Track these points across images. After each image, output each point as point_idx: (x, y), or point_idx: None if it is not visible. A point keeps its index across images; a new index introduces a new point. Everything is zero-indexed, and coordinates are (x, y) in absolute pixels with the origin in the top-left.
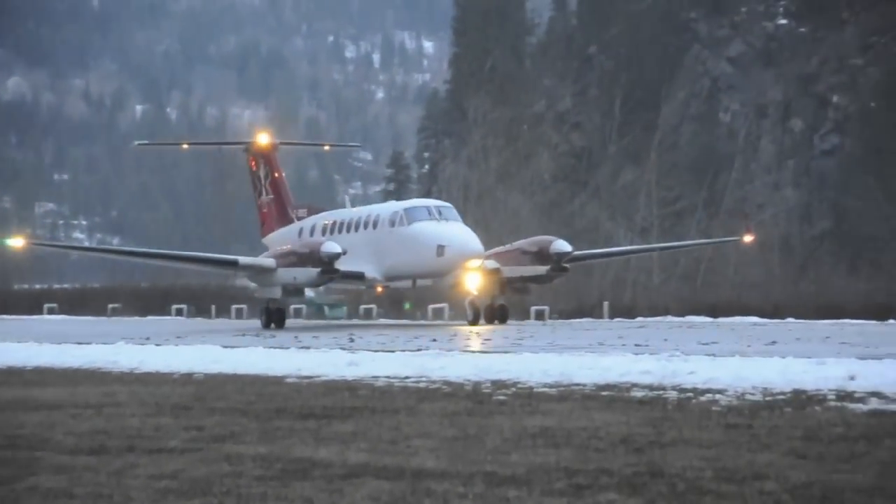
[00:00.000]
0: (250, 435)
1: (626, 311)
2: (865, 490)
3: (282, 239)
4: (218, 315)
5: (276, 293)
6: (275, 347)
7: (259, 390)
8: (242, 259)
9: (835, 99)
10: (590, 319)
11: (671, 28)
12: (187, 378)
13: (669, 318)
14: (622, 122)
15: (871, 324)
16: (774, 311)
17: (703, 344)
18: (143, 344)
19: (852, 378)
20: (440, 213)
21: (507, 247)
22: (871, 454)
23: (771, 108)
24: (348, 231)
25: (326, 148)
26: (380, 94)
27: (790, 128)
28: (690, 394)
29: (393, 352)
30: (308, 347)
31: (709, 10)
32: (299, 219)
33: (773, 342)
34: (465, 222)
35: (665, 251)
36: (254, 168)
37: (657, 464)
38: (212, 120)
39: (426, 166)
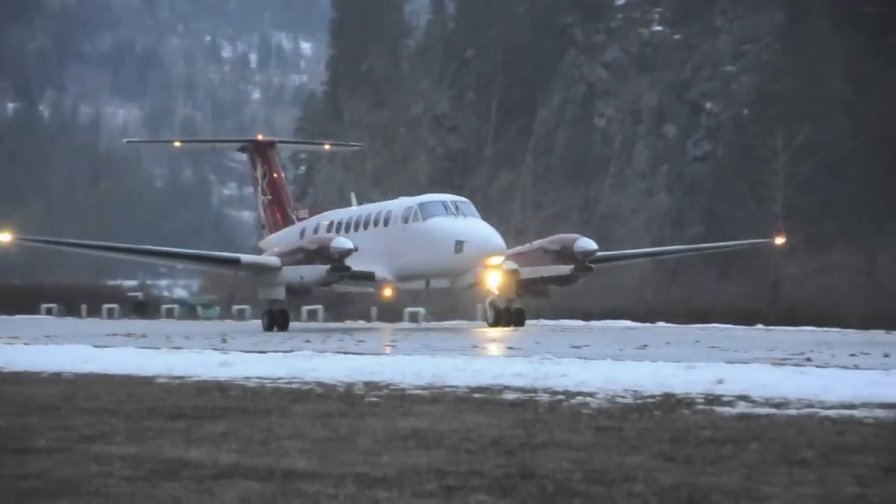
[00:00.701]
0: (119, 435)
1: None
2: (732, 492)
3: (281, 241)
4: (89, 315)
5: (280, 294)
6: (146, 347)
7: (129, 390)
8: (245, 257)
9: (708, 105)
10: (463, 321)
11: (548, 33)
12: (56, 377)
13: (543, 322)
14: (498, 125)
15: (740, 328)
16: (646, 316)
17: (576, 347)
18: (10, 343)
19: (720, 382)
20: (457, 207)
21: (526, 246)
22: (738, 457)
23: (645, 113)
24: (356, 230)
25: (327, 147)
26: (256, 95)
27: (664, 134)
28: (562, 396)
29: (265, 353)
30: (180, 348)
31: (585, 16)
32: (300, 220)
33: (644, 346)
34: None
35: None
36: (252, 168)
37: (528, 465)
38: (86, 118)
39: (302, 168)
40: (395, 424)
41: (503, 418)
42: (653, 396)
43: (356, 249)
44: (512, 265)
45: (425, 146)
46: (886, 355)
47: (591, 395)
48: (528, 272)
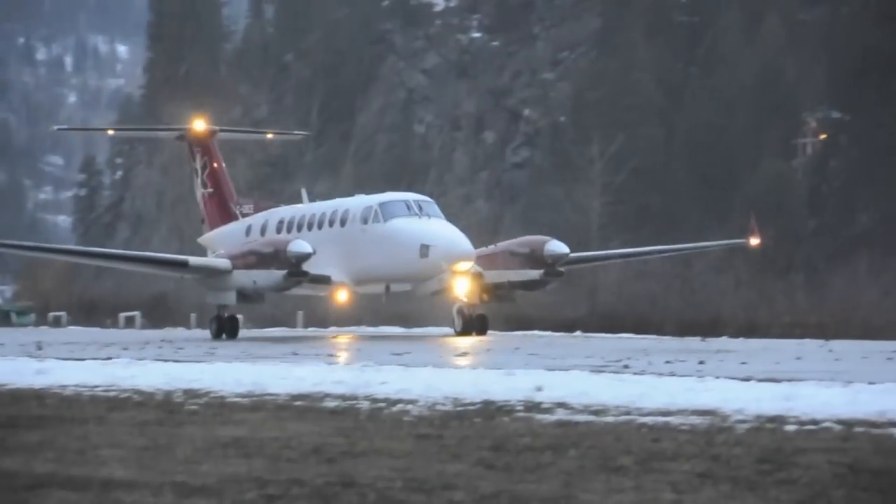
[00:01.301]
0: None
1: (319, 321)
2: (551, 499)
3: (224, 238)
4: None
5: (230, 299)
6: None
7: None
8: (193, 259)
9: (526, 112)
10: (284, 329)
11: (367, 38)
12: None
13: (363, 329)
14: (319, 130)
15: (559, 335)
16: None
17: (396, 354)
18: None
19: (540, 389)
20: (420, 207)
21: (491, 248)
22: (557, 464)
23: (464, 120)
24: (309, 229)
25: (269, 136)
26: (72, 98)
27: (483, 140)
28: (383, 404)
29: (83, 360)
30: None
31: (404, 22)
32: (244, 215)
33: (465, 353)
34: (162, 229)
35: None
36: (190, 158)
37: (349, 474)
38: None
39: (119, 172)
40: (215, 433)
41: (324, 426)
42: (473, 404)
43: (314, 253)
44: (476, 268)
45: (244, 151)
46: (701, 362)
47: (411, 402)
48: (493, 276)
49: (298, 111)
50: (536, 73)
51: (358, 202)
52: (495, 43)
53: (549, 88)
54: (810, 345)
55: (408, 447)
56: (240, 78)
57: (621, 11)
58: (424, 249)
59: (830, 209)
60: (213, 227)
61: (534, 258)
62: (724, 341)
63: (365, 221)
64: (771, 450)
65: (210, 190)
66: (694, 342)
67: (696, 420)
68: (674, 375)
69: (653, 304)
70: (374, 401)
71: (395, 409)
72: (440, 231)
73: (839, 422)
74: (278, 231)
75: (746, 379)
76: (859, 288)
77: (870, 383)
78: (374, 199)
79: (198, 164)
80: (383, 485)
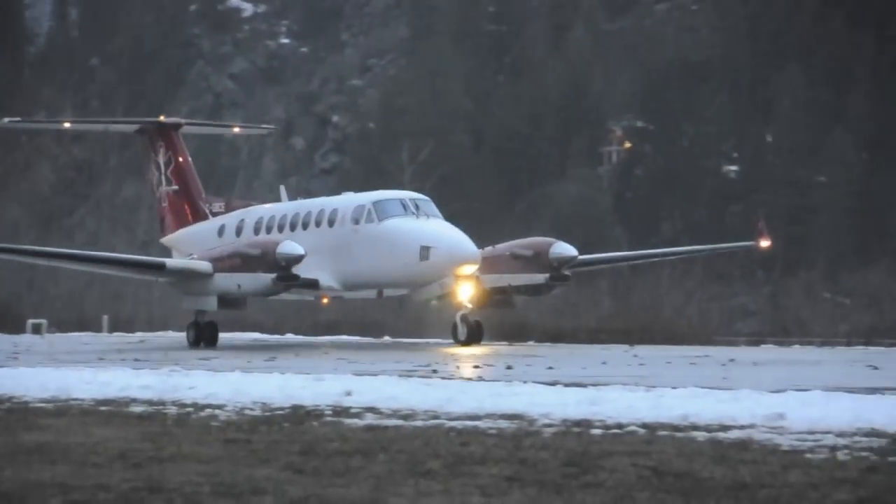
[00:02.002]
0: None
1: (125, 324)
2: (359, 503)
3: (193, 239)
4: None
5: (211, 304)
6: None
7: None
8: (170, 262)
9: (335, 118)
10: (90, 333)
11: (174, 42)
12: None
13: (171, 334)
14: (124, 135)
15: (367, 341)
16: (276, 328)
17: (203, 359)
18: None
19: (349, 394)
20: (417, 206)
21: (488, 249)
22: (366, 468)
23: (273, 125)
24: (292, 229)
25: (236, 130)
26: None
27: (292, 146)
28: (190, 409)
29: None
30: None
31: (212, 27)
32: (214, 214)
33: (273, 357)
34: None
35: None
36: (151, 154)
37: (156, 479)
38: None
39: None
40: (18, 438)
41: (130, 431)
42: (282, 408)
43: (305, 255)
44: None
45: (49, 155)
46: (509, 367)
47: (219, 407)
48: (491, 280)
49: (104, 115)
50: (345, 79)
51: (347, 201)
52: (304, 49)
53: (358, 95)
54: (615, 350)
55: (216, 452)
56: (43, 81)
57: (429, 19)
58: (424, 252)
59: (635, 216)
60: (179, 226)
61: (538, 261)
62: (530, 346)
63: (357, 222)
64: (577, 453)
65: (175, 187)
66: (501, 347)
67: (503, 424)
68: (482, 380)
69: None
70: (182, 406)
71: (202, 413)
72: (441, 232)
73: (643, 425)
74: (256, 231)
75: (553, 383)
76: (663, 294)
77: (673, 388)
78: (366, 197)
79: (160, 160)
80: (191, 490)
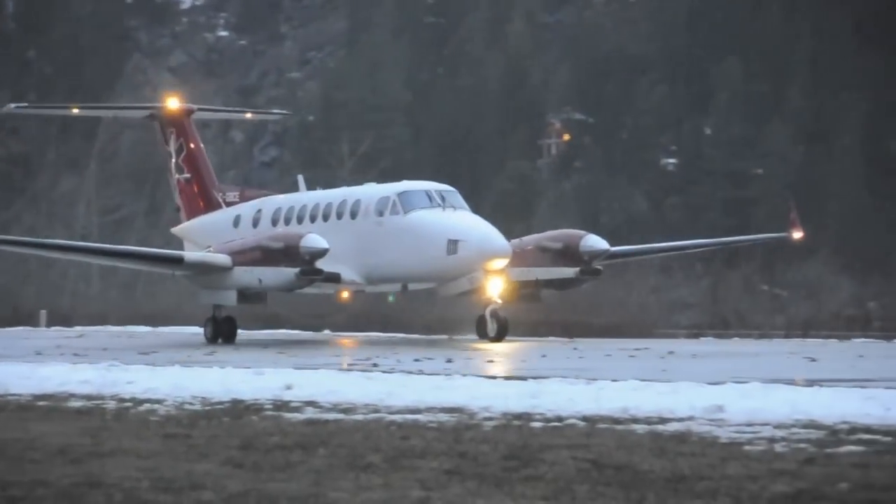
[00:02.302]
0: None
1: (64, 319)
2: (300, 498)
3: (207, 229)
4: None
5: (230, 299)
6: None
7: None
8: (189, 255)
9: (274, 111)
10: (27, 328)
11: (112, 35)
12: None
13: (110, 328)
14: (62, 128)
15: (307, 334)
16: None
17: (143, 353)
18: None
19: (289, 388)
20: (443, 198)
21: (516, 242)
22: (307, 462)
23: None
24: (312, 221)
25: (248, 116)
26: None
27: (231, 139)
28: (129, 403)
29: None
30: None
31: (150, 20)
32: (229, 204)
33: (213, 352)
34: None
35: None
36: (164, 141)
37: (95, 474)
38: None
39: None
40: None
41: (69, 426)
42: (221, 403)
43: (329, 249)
44: None
45: None
46: (449, 360)
47: (158, 402)
48: (518, 273)
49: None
50: (284, 72)
51: (371, 191)
52: (242, 42)
53: (298, 88)
54: (556, 343)
55: (155, 447)
56: None
57: (369, 11)
58: (452, 245)
59: (574, 209)
60: (191, 216)
61: (568, 254)
62: (471, 339)
63: (381, 213)
64: (517, 446)
65: (187, 175)
66: (441, 339)
67: (444, 418)
68: (422, 374)
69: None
70: (121, 400)
71: (142, 408)
72: (470, 224)
73: (583, 418)
74: (274, 223)
75: (493, 377)
76: (604, 288)
77: (613, 381)
78: (391, 188)
79: (172, 147)
80: (130, 485)
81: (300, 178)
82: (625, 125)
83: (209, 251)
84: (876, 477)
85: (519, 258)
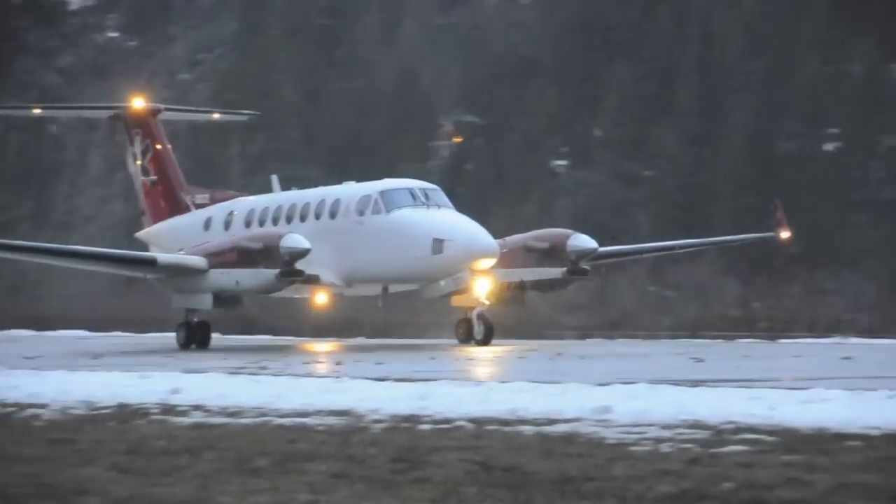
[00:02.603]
0: None
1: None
2: (187, 502)
3: (176, 233)
4: None
5: (205, 302)
6: None
7: None
8: (162, 256)
9: None
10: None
11: None
12: None
13: (14, 332)
14: None
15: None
16: (102, 325)
17: (28, 358)
18: None
19: (176, 391)
20: (427, 196)
21: (500, 242)
22: (194, 467)
23: (100, 121)
24: (288, 222)
25: (216, 116)
26: None
27: (118, 141)
28: (13, 408)
29: None
30: None
31: (38, 20)
32: (198, 206)
33: (100, 355)
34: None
35: None
36: (128, 142)
37: None
38: None
39: None
40: None
41: None
42: (107, 407)
43: (310, 250)
44: None
45: None
46: (339, 363)
47: (43, 406)
48: (502, 275)
49: None
50: (174, 73)
51: (351, 190)
52: (132, 43)
53: (188, 89)
54: (445, 346)
55: (39, 452)
56: None
57: (259, 13)
58: (438, 244)
59: (464, 211)
60: (157, 219)
61: (554, 254)
62: (360, 341)
63: (362, 213)
64: (405, 449)
65: (153, 177)
66: (331, 342)
67: (332, 420)
68: (311, 376)
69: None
70: (4, 405)
71: (25, 413)
72: (456, 223)
73: (472, 420)
74: (247, 224)
75: (382, 379)
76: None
77: (501, 382)
78: (372, 186)
79: (137, 148)
80: (13, 491)
81: (274, 178)
82: (516, 127)
83: (182, 253)
84: (760, 476)
85: (502, 258)
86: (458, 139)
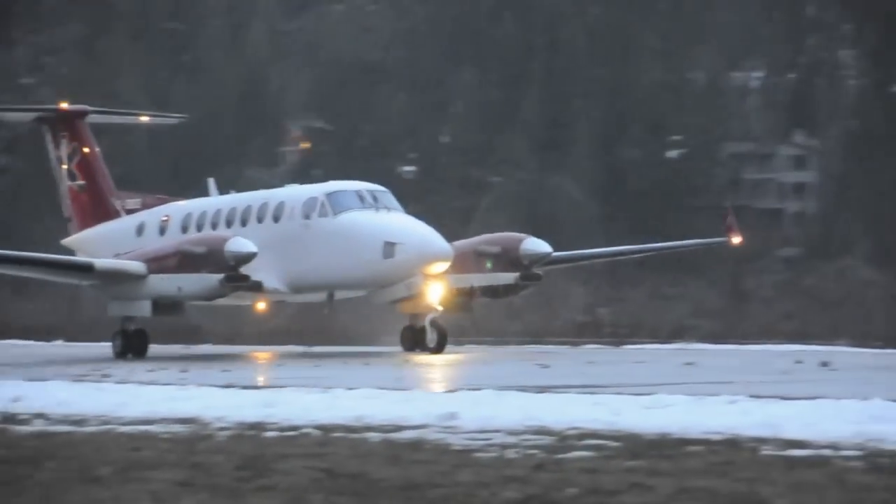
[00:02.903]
0: None
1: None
2: None
3: (106, 239)
4: None
5: (144, 309)
6: None
7: None
8: (99, 262)
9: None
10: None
11: None
12: None
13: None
14: None
15: (39, 345)
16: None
17: None
18: None
19: (17, 400)
20: (375, 198)
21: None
22: (34, 476)
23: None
24: (229, 226)
25: (144, 119)
26: None
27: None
28: None
29: None
30: None
31: None
32: (129, 211)
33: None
34: None
35: None
36: (54, 146)
37: None
38: None
39: None
40: None
41: None
42: None
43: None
44: None
45: None
46: (184, 370)
47: None
48: (456, 280)
49: None
50: (16, 77)
51: (296, 193)
52: None
53: (30, 94)
54: (293, 352)
55: None
56: None
57: (105, 16)
58: (389, 248)
59: None
60: (85, 225)
61: (506, 259)
62: (207, 348)
63: (308, 216)
64: (251, 456)
65: (81, 182)
66: (176, 348)
67: (177, 428)
68: (155, 384)
69: None
70: None
71: None
72: (407, 226)
73: (318, 427)
74: (184, 230)
75: (228, 386)
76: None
77: (348, 389)
78: (318, 188)
79: (63, 152)
80: None
81: (211, 181)
82: (364, 133)
83: (120, 258)
84: (604, 481)
85: (456, 263)
86: (305, 144)
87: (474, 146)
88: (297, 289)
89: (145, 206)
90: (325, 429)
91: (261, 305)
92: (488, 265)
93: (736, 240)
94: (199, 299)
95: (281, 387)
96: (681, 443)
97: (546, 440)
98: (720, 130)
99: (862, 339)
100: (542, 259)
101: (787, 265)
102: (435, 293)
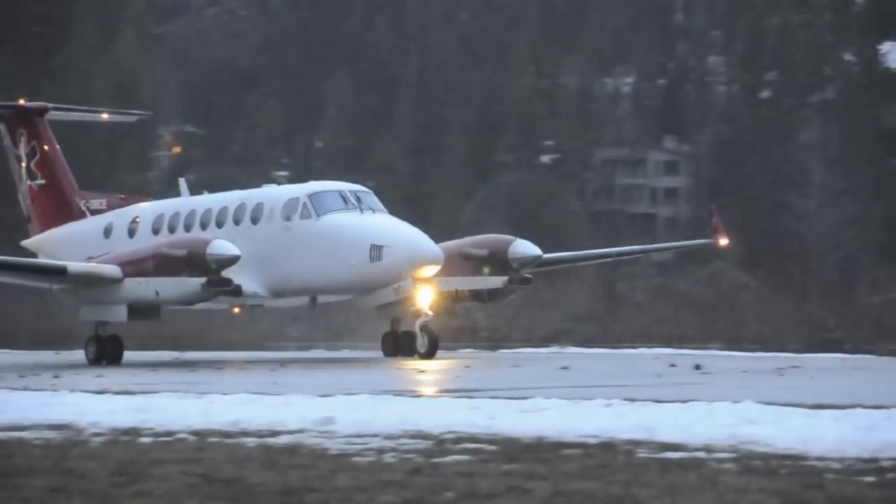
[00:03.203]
0: None
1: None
2: None
3: (71, 241)
4: None
5: (119, 315)
6: None
7: None
8: (73, 265)
9: None
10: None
11: None
12: None
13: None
14: None
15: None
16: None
17: None
18: None
19: None
20: (359, 199)
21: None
22: None
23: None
24: (204, 228)
25: (105, 116)
26: None
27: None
28: None
29: None
30: None
31: None
32: (94, 212)
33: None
34: None
35: None
36: (12, 144)
37: None
38: None
39: None
40: None
41: None
42: None
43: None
44: None
45: None
46: (56, 376)
47: None
48: (442, 284)
49: None
50: None
51: (274, 193)
52: None
53: None
54: (166, 357)
55: None
56: None
57: None
58: (376, 251)
59: None
60: (46, 227)
61: (494, 262)
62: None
63: (289, 218)
64: (125, 462)
65: (42, 181)
66: (48, 355)
67: (50, 434)
68: (27, 390)
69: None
70: None
71: None
72: (395, 229)
73: (194, 432)
74: (156, 232)
75: (102, 392)
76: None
77: (224, 394)
78: (299, 189)
79: (23, 150)
80: None
81: (182, 181)
82: (237, 138)
83: (93, 261)
84: (481, 485)
85: (443, 266)
86: (177, 149)
87: (348, 151)
88: (277, 293)
89: (110, 207)
90: (201, 434)
91: (235, 310)
92: (485, 271)
93: (723, 241)
94: (177, 304)
95: (154, 392)
96: (557, 446)
97: (423, 444)
98: (592, 136)
99: (734, 342)
100: (532, 262)
101: (660, 270)
102: (424, 297)
